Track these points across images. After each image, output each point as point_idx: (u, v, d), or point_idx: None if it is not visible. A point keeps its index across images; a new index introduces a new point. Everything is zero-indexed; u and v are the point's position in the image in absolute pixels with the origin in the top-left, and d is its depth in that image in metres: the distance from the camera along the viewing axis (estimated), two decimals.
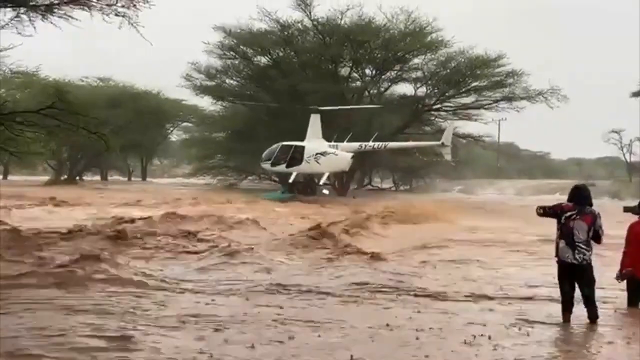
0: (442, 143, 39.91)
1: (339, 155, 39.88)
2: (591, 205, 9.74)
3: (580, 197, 9.70)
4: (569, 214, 9.58)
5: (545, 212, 9.78)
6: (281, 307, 10.11)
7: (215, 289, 11.57)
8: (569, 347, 8.69)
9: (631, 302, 10.66)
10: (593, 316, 9.50)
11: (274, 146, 41.36)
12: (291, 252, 16.17)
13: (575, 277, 9.51)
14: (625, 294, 10.72)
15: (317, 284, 12.19)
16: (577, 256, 9.46)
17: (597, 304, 9.65)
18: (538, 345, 8.42)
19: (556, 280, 9.82)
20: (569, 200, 9.75)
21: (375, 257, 15.35)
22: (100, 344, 7.70)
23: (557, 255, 9.63)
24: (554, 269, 9.90)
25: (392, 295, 11.33)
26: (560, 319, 9.59)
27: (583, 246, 9.49)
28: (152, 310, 9.57)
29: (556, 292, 10.14)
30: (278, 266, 14.16)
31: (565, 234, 9.53)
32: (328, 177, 42.61)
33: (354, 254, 15.77)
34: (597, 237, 9.65)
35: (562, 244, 9.55)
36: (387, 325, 9.07)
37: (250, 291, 11.39)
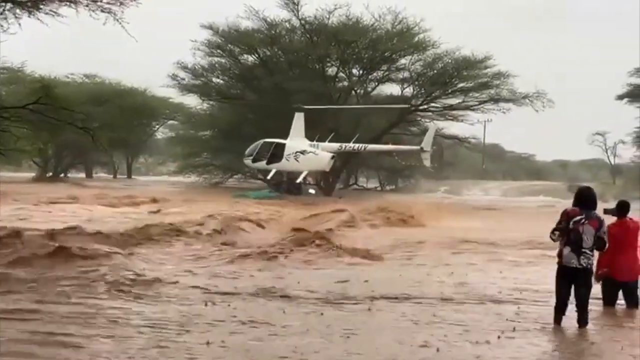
0: (422, 148, 40.02)
1: (319, 154, 40.06)
2: (596, 208, 9.65)
3: (588, 200, 9.59)
4: (577, 218, 9.46)
5: (561, 230, 9.51)
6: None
7: None
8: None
9: (607, 302, 10.86)
10: (583, 322, 9.50)
11: (256, 143, 41.65)
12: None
13: (575, 280, 9.47)
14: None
15: None
16: (582, 262, 9.43)
17: None
18: None
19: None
20: (575, 204, 9.61)
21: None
22: None
23: (560, 260, 9.56)
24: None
25: None
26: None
27: (589, 252, 9.47)
28: None
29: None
30: None
31: (572, 240, 9.42)
32: (309, 176, 42.69)
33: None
34: (602, 243, 9.62)
35: (566, 250, 9.47)
36: None
37: None
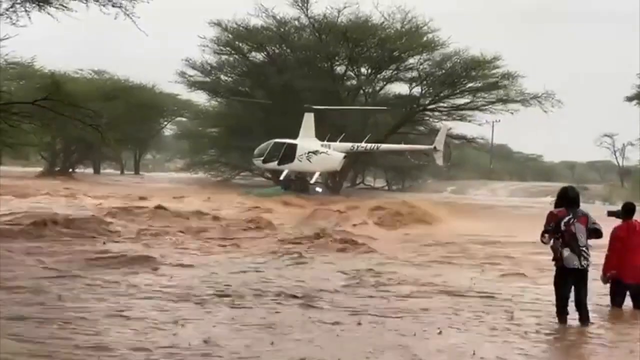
0: (435, 147, 39.87)
1: (331, 154, 39.96)
2: (579, 205, 9.78)
3: (571, 199, 9.70)
4: (566, 219, 9.56)
5: (548, 232, 9.58)
6: None
7: None
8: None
9: (614, 302, 10.93)
10: (586, 319, 9.64)
11: (266, 143, 41.51)
12: None
13: (575, 281, 9.58)
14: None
15: None
16: (582, 262, 9.53)
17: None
18: None
19: None
20: (558, 204, 9.71)
21: None
22: None
23: (560, 262, 9.60)
24: None
25: None
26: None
27: (586, 250, 9.57)
28: None
29: None
30: None
31: (568, 241, 9.50)
32: (320, 176, 42.64)
33: None
34: (597, 232, 9.75)
35: (566, 252, 9.52)
36: None
37: None
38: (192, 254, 16.02)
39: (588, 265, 9.58)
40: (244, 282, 12.24)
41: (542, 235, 9.61)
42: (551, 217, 9.63)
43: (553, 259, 9.71)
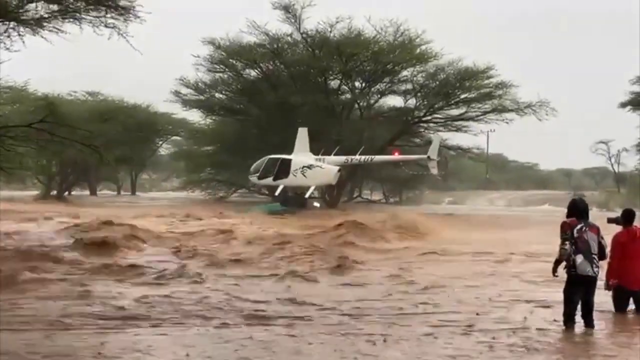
0: (428, 157, 39.99)
1: (326, 168, 40.04)
2: (589, 216, 9.97)
3: (581, 210, 9.92)
4: (579, 227, 9.74)
5: (567, 240, 9.66)
6: None
7: None
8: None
9: (617, 308, 10.98)
10: (592, 325, 9.84)
11: (262, 159, 41.64)
12: None
13: (586, 288, 9.72)
14: None
15: None
16: (594, 269, 9.74)
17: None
18: None
19: None
20: (570, 214, 9.89)
21: None
22: None
23: (573, 269, 9.70)
24: None
25: None
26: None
27: (597, 258, 9.78)
28: None
29: None
30: None
31: (582, 248, 9.66)
32: (315, 190, 42.71)
33: None
34: (603, 252, 9.93)
35: (579, 258, 9.65)
36: None
37: None
38: None
39: (598, 272, 9.76)
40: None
41: (563, 243, 9.64)
42: (565, 226, 9.77)
43: (565, 267, 9.75)
